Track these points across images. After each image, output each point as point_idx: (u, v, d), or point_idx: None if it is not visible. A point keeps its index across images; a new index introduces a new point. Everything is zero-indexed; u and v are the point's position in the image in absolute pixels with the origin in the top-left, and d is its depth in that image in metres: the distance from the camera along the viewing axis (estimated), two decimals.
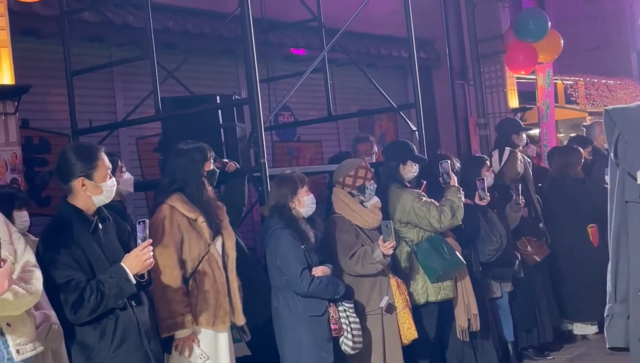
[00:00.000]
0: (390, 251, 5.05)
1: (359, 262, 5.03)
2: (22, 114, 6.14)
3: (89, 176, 3.76)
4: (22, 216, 4.27)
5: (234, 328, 4.63)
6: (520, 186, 6.54)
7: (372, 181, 5.27)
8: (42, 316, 3.80)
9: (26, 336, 3.38)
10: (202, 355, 4.23)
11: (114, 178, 3.89)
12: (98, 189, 3.78)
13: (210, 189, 4.51)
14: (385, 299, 5.13)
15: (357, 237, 5.18)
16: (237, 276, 4.50)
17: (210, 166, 4.55)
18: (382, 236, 4.99)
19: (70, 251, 3.65)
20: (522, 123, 7.87)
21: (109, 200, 3.86)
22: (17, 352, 3.33)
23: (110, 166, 3.88)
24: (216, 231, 4.42)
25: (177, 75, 6.94)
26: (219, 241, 4.44)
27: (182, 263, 4.29)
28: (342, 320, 4.79)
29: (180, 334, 4.18)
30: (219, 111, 5.95)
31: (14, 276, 3.24)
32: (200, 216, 4.35)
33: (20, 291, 3.25)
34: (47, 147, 6.68)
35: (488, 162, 6.46)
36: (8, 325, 3.32)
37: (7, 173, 5.31)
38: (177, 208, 4.32)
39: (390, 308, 5.17)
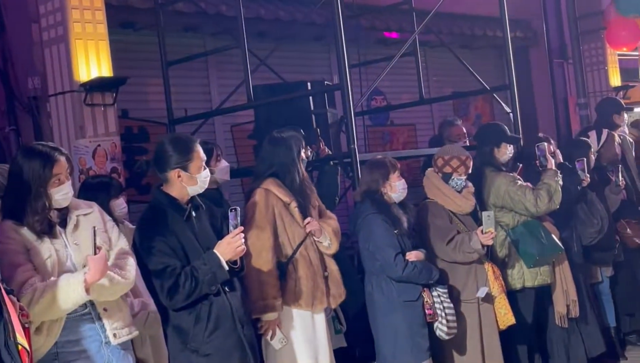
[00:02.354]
0: (490, 242, 5.00)
1: (456, 249, 4.98)
2: (121, 104, 6.33)
3: (185, 168, 3.84)
4: (120, 204, 4.40)
5: (334, 319, 4.66)
6: (620, 167, 6.32)
7: (462, 177, 5.18)
8: (141, 304, 3.92)
9: (122, 320, 3.49)
10: (282, 339, 4.29)
11: (207, 169, 3.96)
12: (193, 180, 3.86)
13: (305, 175, 4.55)
14: (484, 289, 5.05)
15: (450, 222, 5.12)
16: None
17: (305, 153, 4.59)
18: (482, 226, 4.92)
19: (165, 238, 3.74)
20: (623, 102, 7.57)
21: (203, 190, 3.93)
22: (114, 335, 3.44)
23: (204, 157, 3.95)
24: (305, 214, 4.45)
25: (269, 62, 7.00)
26: None
27: (279, 247, 4.34)
28: (437, 305, 4.75)
29: (268, 317, 4.24)
30: (310, 98, 5.98)
31: (109, 263, 3.36)
32: (294, 201, 4.40)
33: (116, 278, 3.37)
34: (146, 136, 6.86)
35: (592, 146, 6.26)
36: (105, 310, 3.44)
37: (108, 162, 5.49)
38: (272, 191, 4.38)
39: (488, 297, 5.10)
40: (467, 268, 5.09)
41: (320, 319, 4.44)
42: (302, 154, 4.56)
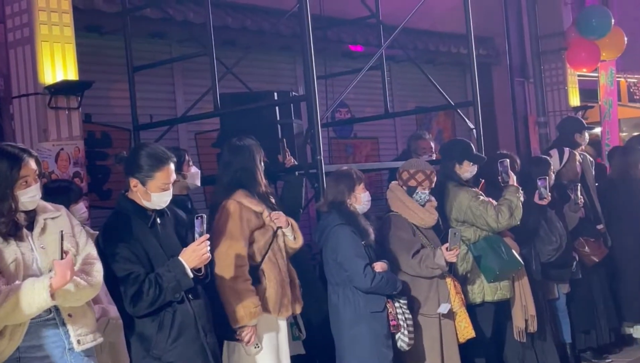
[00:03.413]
0: (454, 260, 5.08)
1: (420, 262, 5.02)
2: (85, 108, 6.26)
3: (143, 182, 3.83)
4: (79, 209, 4.37)
5: (293, 325, 4.67)
6: (579, 186, 6.43)
7: (426, 191, 5.24)
8: (101, 311, 3.89)
9: (87, 327, 3.45)
10: (257, 344, 4.31)
11: (169, 191, 3.90)
12: (147, 196, 3.85)
13: (264, 182, 4.57)
14: (446, 306, 5.12)
15: (414, 236, 5.17)
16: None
17: (263, 161, 4.62)
18: (447, 243, 4.98)
19: (129, 245, 3.73)
20: (584, 122, 7.72)
21: (157, 207, 3.90)
22: (78, 342, 3.39)
23: (170, 180, 3.90)
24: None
25: (235, 71, 7.00)
26: (279, 233, 4.50)
27: (249, 255, 4.36)
28: (399, 317, 4.79)
29: (250, 323, 4.25)
30: (277, 108, 5.99)
31: (76, 268, 3.32)
32: (265, 210, 4.42)
33: (82, 283, 3.33)
34: (109, 141, 6.81)
35: (552, 164, 6.36)
36: (69, 315, 3.40)
37: (70, 166, 5.43)
38: (244, 204, 4.38)
39: (449, 313, 5.15)
40: (429, 282, 5.14)
41: (283, 325, 4.47)
42: (262, 160, 4.60)
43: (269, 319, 4.38)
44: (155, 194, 3.84)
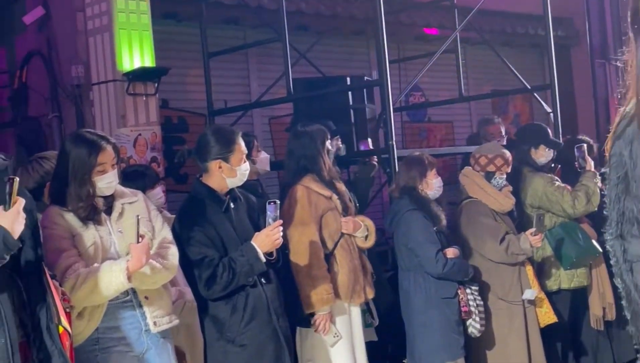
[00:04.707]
0: (539, 244, 5.02)
1: (507, 249, 4.97)
2: (162, 94, 6.39)
3: (226, 159, 3.88)
4: (156, 194, 4.45)
5: (365, 312, 4.69)
6: None
7: (503, 176, 5.17)
8: (177, 293, 3.97)
9: (163, 309, 3.53)
10: (336, 334, 4.32)
11: (247, 162, 4.00)
12: (233, 172, 3.90)
13: (331, 167, 4.58)
14: (532, 292, 5.06)
15: (496, 221, 5.12)
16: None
17: (330, 145, 4.61)
18: (532, 228, 4.95)
19: (204, 229, 3.79)
20: None
21: (242, 183, 3.97)
22: (154, 323, 3.48)
23: (245, 150, 3.99)
24: (345, 207, 4.49)
25: (309, 56, 7.02)
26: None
27: (322, 240, 4.38)
28: (471, 303, 4.76)
29: (321, 310, 4.27)
30: (349, 92, 5.99)
31: (152, 252, 3.40)
32: (334, 194, 4.44)
33: (157, 266, 3.41)
34: (185, 126, 6.93)
35: None
36: (146, 298, 3.48)
37: (148, 151, 5.55)
38: (312, 188, 4.40)
39: (533, 300, 5.11)
40: (512, 268, 5.09)
41: (356, 312, 4.48)
42: (327, 145, 4.58)
43: (341, 306, 4.39)
44: (239, 167, 3.90)
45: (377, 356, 5.04)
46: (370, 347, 4.77)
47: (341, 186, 4.60)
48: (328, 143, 4.60)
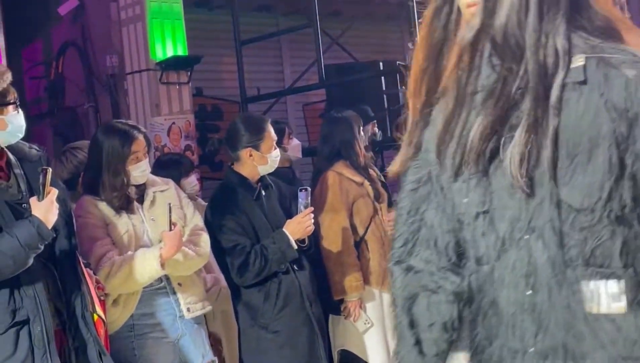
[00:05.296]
0: None
1: None
2: (196, 83, 6.44)
3: (256, 147, 3.90)
4: (191, 182, 4.48)
5: None
6: None
7: None
8: (213, 280, 4.01)
9: (196, 295, 3.57)
10: (367, 320, 4.32)
11: (278, 149, 4.01)
12: (264, 160, 3.92)
13: (365, 153, 4.57)
14: None
15: None
16: None
17: (362, 132, 4.59)
18: None
19: (236, 217, 3.81)
20: None
21: (273, 169, 3.99)
22: (188, 310, 3.52)
23: (275, 137, 4.00)
24: (377, 193, 4.49)
25: (342, 42, 7.01)
26: (379, 205, 4.50)
27: (353, 227, 4.39)
28: None
29: (351, 297, 4.29)
30: (382, 78, 5.98)
31: (184, 239, 3.43)
32: (366, 180, 4.44)
33: (190, 253, 3.44)
34: (219, 114, 6.96)
35: None
36: (179, 284, 3.52)
37: (182, 139, 5.60)
38: (344, 174, 4.41)
39: None
40: None
41: (388, 298, 4.47)
42: (362, 131, 4.58)
43: (373, 293, 4.39)
44: (270, 154, 3.91)
45: None
46: None
47: (374, 173, 4.60)
48: (362, 129, 4.59)
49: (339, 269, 4.25)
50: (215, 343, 4.04)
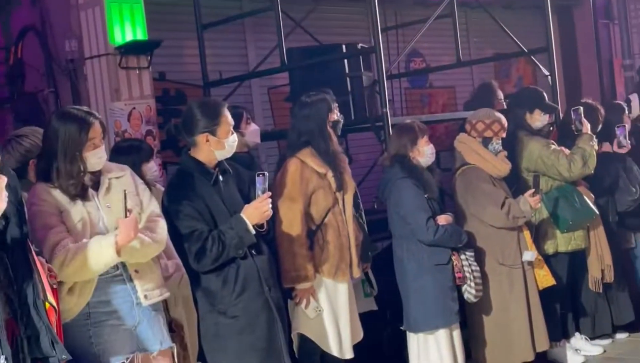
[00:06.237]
0: (538, 205, 5.05)
1: (509, 213, 4.97)
2: (159, 67, 6.39)
3: (213, 132, 3.88)
4: (151, 168, 4.45)
5: (364, 282, 4.70)
6: None
7: (499, 141, 5.16)
8: (175, 266, 3.99)
9: (153, 282, 3.56)
10: (317, 308, 4.33)
11: (235, 134, 3.99)
12: (221, 145, 3.90)
13: (335, 140, 4.54)
14: (531, 254, 5.09)
15: (495, 186, 5.12)
16: (359, 228, 4.57)
17: (335, 116, 4.55)
18: (531, 190, 5.00)
19: (193, 203, 3.80)
20: None
21: (230, 155, 3.97)
22: (145, 296, 3.51)
23: (232, 122, 3.98)
24: (340, 184, 4.47)
25: (307, 25, 6.97)
26: (341, 195, 4.49)
27: (309, 217, 4.38)
28: (465, 269, 4.77)
29: (301, 286, 4.30)
30: (346, 61, 5.95)
31: (140, 226, 3.42)
32: (330, 171, 4.41)
33: (147, 240, 3.43)
34: (183, 98, 6.91)
35: (626, 109, 6.16)
36: (136, 271, 3.51)
37: (143, 124, 5.56)
38: (307, 163, 4.39)
39: (530, 262, 5.13)
40: (512, 233, 5.10)
41: (343, 289, 4.44)
42: (333, 116, 4.51)
43: (325, 282, 4.39)
44: (227, 139, 3.90)
45: (377, 324, 5.08)
46: (370, 316, 4.80)
47: (343, 163, 4.54)
48: (334, 115, 4.53)
49: (290, 258, 4.25)
50: (178, 329, 4.03)
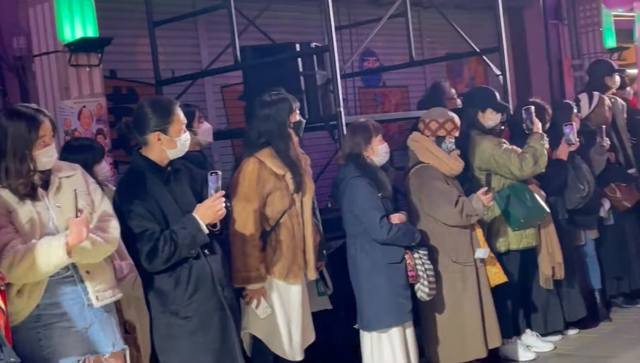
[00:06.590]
0: (491, 203, 5.10)
1: (462, 211, 5.01)
2: (110, 64, 6.30)
3: (164, 131, 3.84)
4: (103, 168, 4.40)
5: (319, 281, 4.69)
6: (604, 129, 6.30)
7: (452, 140, 5.20)
8: (129, 267, 3.93)
9: (105, 283, 3.50)
10: (266, 308, 4.31)
11: (188, 133, 3.95)
12: (173, 144, 3.86)
13: (296, 140, 4.50)
14: (484, 251, 5.14)
15: (448, 185, 5.15)
16: (316, 230, 4.56)
17: (296, 117, 4.51)
18: (484, 188, 5.07)
19: (144, 202, 3.76)
20: (615, 64, 7.54)
21: (183, 153, 3.93)
22: (97, 298, 3.45)
23: (185, 120, 3.94)
24: (299, 186, 4.44)
25: (261, 23, 6.94)
26: (299, 197, 4.46)
27: (264, 217, 4.35)
28: (418, 267, 4.80)
29: (252, 287, 4.28)
30: (299, 59, 5.94)
31: (91, 226, 3.36)
32: (288, 172, 4.38)
33: (98, 240, 3.38)
34: (135, 96, 6.81)
35: (575, 108, 6.25)
36: (87, 272, 3.45)
37: (93, 123, 5.48)
38: (266, 163, 4.35)
39: (482, 260, 5.19)
40: (465, 231, 5.15)
41: (296, 290, 4.42)
42: (294, 117, 4.47)
43: (276, 283, 4.37)
44: (179, 138, 3.86)
45: (331, 323, 5.08)
46: (324, 315, 4.79)
47: (304, 164, 4.50)
48: (296, 115, 4.48)
49: (242, 258, 4.23)
50: (132, 331, 3.99)
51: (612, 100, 6.86)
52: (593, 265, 6.37)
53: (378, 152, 4.82)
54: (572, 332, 6.06)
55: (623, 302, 6.69)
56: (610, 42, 10.14)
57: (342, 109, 5.35)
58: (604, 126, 6.32)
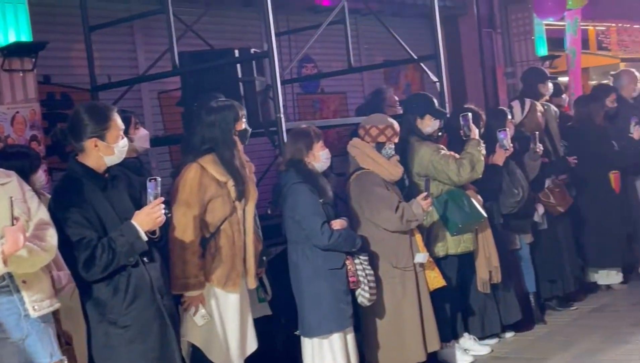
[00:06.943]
0: (430, 208, 5.16)
1: (402, 217, 5.04)
2: (44, 70, 6.18)
3: (102, 137, 3.78)
4: (39, 177, 4.31)
5: (258, 287, 4.67)
6: (537, 135, 6.44)
7: (392, 146, 5.25)
8: (67, 277, 3.86)
9: (42, 293, 3.44)
10: (204, 315, 4.27)
11: (125, 138, 3.90)
12: (110, 150, 3.80)
13: (241, 148, 4.46)
14: (424, 255, 5.20)
15: (389, 191, 5.19)
16: (258, 238, 4.54)
17: (242, 125, 4.47)
18: (423, 193, 5.11)
19: (81, 209, 3.68)
20: (547, 72, 7.72)
21: (120, 160, 3.87)
22: (34, 308, 3.40)
23: (122, 126, 3.89)
24: (241, 194, 4.41)
25: (199, 28, 6.89)
26: (241, 204, 4.43)
27: (204, 224, 4.31)
28: (359, 273, 4.82)
29: (190, 294, 4.24)
30: (238, 65, 5.92)
31: (28, 234, 3.29)
32: (231, 180, 4.35)
33: (35, 248, 3.31)
34: (69, 102, 6.70)
35: (509, 114, 6.37)
36: (24, 282, 3.39)
37: (27, 129, 5.36)
38: (208, 170, 4.31)
39: (421, 264, 5.23)
40: (405, 237, 5.20)
41: (234, 298, 4.38)
42: (240, 125, 4.42)
43: (214, 290, 4.33)
44: (117, 144, 3.80)
45: (271, 329, 5.06)
46: (264, 321, 4.77)
47: (249, 171, 4.47)
48: (242, 123, 4.43)
49: (181, 265, 4.19)
50: (70, 342, 3.92)
51: (545, 107, 7.01)
52: (528, 268, 6.48)
53: (319, 158, 4.83)
54: (508, 334, 6.16)
55: (557, 305, 6.83)
56: (542, 51, 10.38)
57: (282, 115, 5.33)
58: (537, 132, 6.45)
